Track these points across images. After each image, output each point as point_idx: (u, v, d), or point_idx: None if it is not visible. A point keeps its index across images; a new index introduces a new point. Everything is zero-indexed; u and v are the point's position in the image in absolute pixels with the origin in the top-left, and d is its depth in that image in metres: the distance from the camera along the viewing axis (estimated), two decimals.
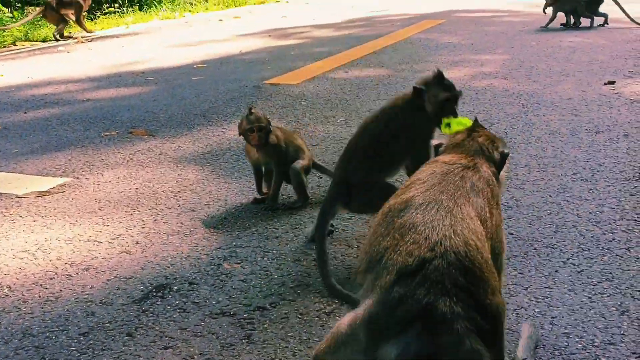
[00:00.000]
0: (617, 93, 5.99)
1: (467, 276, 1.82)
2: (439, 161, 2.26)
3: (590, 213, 3.57)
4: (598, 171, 4.17)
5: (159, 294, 2.96)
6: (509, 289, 2.84)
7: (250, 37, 11.27)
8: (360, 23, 12.55)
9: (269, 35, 11.27)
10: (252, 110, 3.71)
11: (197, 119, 5.85)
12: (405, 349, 1.76)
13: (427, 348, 1.74)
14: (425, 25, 11.46)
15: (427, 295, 1.77)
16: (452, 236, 1.87)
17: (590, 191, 3.86)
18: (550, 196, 3.83)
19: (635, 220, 3.46)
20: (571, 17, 9.98)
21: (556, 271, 2.99)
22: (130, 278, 3.11)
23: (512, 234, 3.37)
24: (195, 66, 8.55)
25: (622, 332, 2.52)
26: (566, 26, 9.99)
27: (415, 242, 1.87)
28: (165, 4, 17.61)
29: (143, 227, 3.65)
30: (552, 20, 10.00)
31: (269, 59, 8.76)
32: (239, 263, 3.21)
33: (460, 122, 2.61)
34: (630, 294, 2.77)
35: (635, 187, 3.89)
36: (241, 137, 3.78)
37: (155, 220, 3.73)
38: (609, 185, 3.93)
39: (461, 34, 10.22)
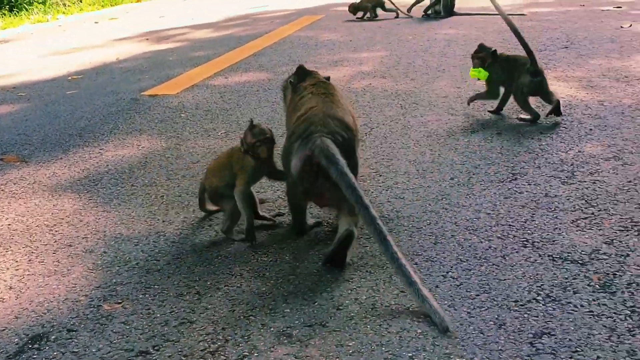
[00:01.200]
0: None
1: (334, 120, 3.28)
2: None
3: (467, 220, 3.66)
4: (474, 174, 4.28)
5: (36, 345, 2.83)
6: (391, 309, 2.87)
7: (127, 41, 10.97)
8: (240, 21, 12.45)
9: (147, 39, 11.01)
10: (255, 124, 3.59)
11: (72, 140, 5.64)
12: (295, 155, 3.22)
13: (304, 148, 3.17)
14: (304, 21, 11.49)
15: (308, 127, 3.24)
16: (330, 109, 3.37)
17: (467, 196, 3.96)
18: (429, 205, 3.90)
19: (510, 224, 3.58)
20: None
21: (436, 286, 3.05)
22: (3, 330, 2.96)
23: None
24: (69, 78, 8.25)
25: (499, 348, 2.59)
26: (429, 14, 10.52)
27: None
28: (36, 6, 16.89)
29: (17, 269, 3.48)
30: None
31: (146, 67, 8.55)
32: (119, 303, 3.11)
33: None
34: (507, 305, 2.85)
35: (508, 189, 4.02)
36: (242, 152, 3.60)
37: (30, 260, 3.56)
38: (485, 189, 4.04)
39: (340, 30, 10.30)
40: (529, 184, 4.08)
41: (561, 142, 4.79)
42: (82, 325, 2.94)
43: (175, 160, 4.92)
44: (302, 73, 3.86)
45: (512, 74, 5.22)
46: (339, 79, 6.81)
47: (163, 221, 3.90)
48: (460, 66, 7.20)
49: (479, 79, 5.37)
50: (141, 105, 6.51)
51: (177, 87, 7.15)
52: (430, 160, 4.55)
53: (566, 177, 4.15)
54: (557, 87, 6.11)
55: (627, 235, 3.40)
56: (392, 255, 2.85)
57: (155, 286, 3.23)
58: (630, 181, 4.03)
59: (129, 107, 6.49)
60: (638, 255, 3.19)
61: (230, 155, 3.69)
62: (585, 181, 4.07)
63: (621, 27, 9.06)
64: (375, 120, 5.50)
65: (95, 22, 14.18)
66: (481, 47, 5.33)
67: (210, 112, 6.12)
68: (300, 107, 3.45)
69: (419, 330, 2.73)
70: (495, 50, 5.25)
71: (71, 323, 2.96)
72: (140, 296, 3.15)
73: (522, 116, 5.34)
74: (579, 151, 4.58)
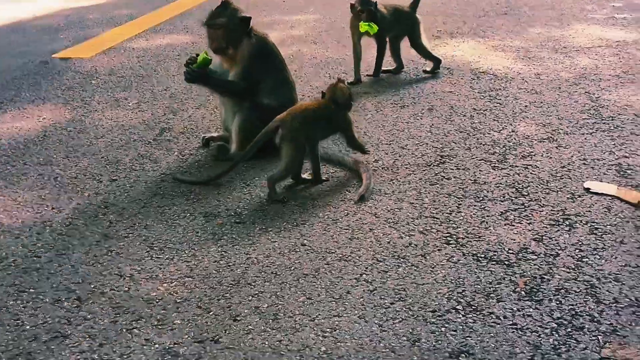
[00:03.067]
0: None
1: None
2: None
3: (388, 211, 3.35)
4: (400, 156, 3.96)
5: None
6: (294, 321, 2.54)
7: None
8: None
9: None
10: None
11: None
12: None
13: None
14: None
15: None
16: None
17: (391, 182, 3.64)
18: (348, 192, 3.56)
19: (433, 217, 3.27)
20: None
21: (348, 292, 2.73)
22: None
23: (304, 244, 3.06)
24: None
25: None
26: None
27: None
28: None
29: None
30: None
31: (63, 25, 7.95)
32: None
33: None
34: (423, 316, 2.55)
35: (435, 174, 3.72)
36: None
37: None
38: (410, 174, 3.73)
39: None
40: (458, 169, 3.78)
41: (494, 119, 4.50)
42: None
43: (77, 135, 4.47)
44: None
45: (400, 24, 5.37)
46: None
47: (52, 208, 3.48)
48: None
49: (370, 34, 5.18)
50: (50, 70, 5.98)
51: (93, 50, 6.62)
52: None
53: (497, 161, 3.86)
54: (495, 58, 5.81)
55: (558, 230, 3.12)
56: None
57: (31, 290, 2.83)
58: (563, 166, 3.76)
59: (36, 71, 5.95)
60: (568, 255, 2.92)
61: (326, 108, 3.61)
62: (517, 166, 3.79)
63: None
64: (301, 91, 5.10)
65: None
66: (364, 2, 5.13)
67: (124, 78, 5.65)
68: None
69: (323, 349, 2.39)
70: (376, 3, 5.14)
71: None
72: (11, 303, 2.74)
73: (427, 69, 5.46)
74: (513, 130, 4.30)
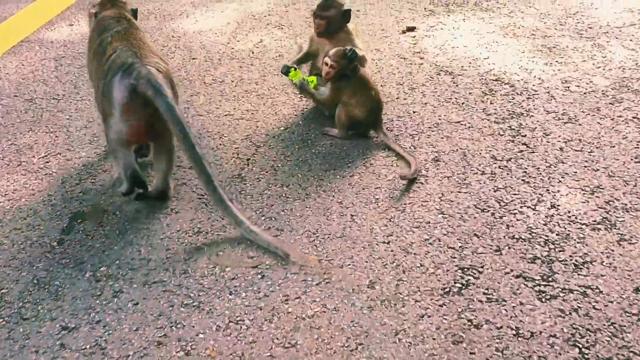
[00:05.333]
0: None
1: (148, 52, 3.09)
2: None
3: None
4: (405, 272, 2.80)
5: None
6: None
7: None
8: None
9: None
10: None
11: None
12: (118, 87, 2.93)
13: (129, 78, 2.91)
14: None
15: (126, 60, 2.98)
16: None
17: (396, 337, 2.48)
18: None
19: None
20: None
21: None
22: None
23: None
24: None
25: None
26: None
27: None
28: None
29: None
30: None
31: None
32: None
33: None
34: None
35: (458, 312, 2.61)
36: None
37: None
38: (421, 314, 2.59)
39: None
40: (489, 299, 2.69)
41: (524, 180, 3.42)
42: None
43: None
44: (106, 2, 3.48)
45: None
46: (198, 50, 5.04)
47: None
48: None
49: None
50: None
51: None
52: None
53: (541, 280, 2.76)
54: (507, 50, 4.60)
55: None
56: (219, 198, 2.91)
57: None
58: (638, 289, 2.60)
59: None
60: None
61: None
62: (571, 290, 2.70)
63: None
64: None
65: None
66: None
67: (33, 104, 4.32)
68: (106, 47, 3.14)
69: None
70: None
71: None
72: None
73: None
74: (552, 205, 3.22)
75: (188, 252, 2.95)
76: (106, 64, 3.04)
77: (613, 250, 2.87)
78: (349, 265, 2.84)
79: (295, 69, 3.80)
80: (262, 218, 3.17)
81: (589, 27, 5.06)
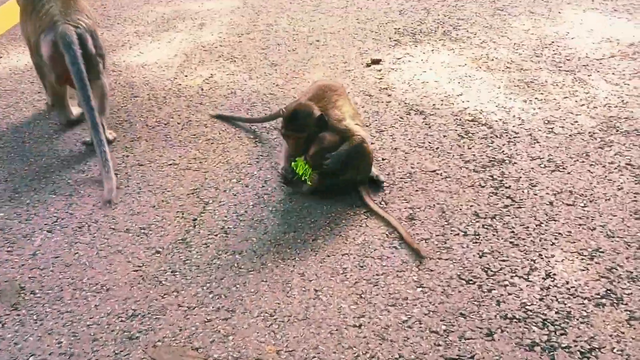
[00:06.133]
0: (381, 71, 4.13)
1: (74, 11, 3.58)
2: None
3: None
4: None
5: None
6: None
7: None
8: None
9: None
10: None
11: None
12: (44, 43, 3.54)
13: (51, 36, 3.49)
14: None
15: (52, 19, 3.52)
16: None
17: None
18: None
19: None
20: None
21: None
22: None
23: None
24: None
25: None
26: None
27: None
28: None
29: None
30: None
31: None
32: None
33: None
34: None
35: None
36: None
37: None
38: None
39: None
40: None
41: (513, 243, 2.94)
42: None
43: None
44: None
45: None
46: (176, 50, 4.53)
47: None
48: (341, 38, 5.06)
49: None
50: None
51: None
52: None
53: None
54: (481, 86, 4.17)
55: None
56: (99, 139, 3.38)
57: None
58: None
59: None
60: None
61: None
62: None
63: None
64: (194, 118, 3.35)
65: None
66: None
67: None
68: (40, 9, 3.61)
69: None
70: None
71: None
72: None
73: None
74: (548, 274, 2.76)
75: (119, 344, 2.43)
76: (38, 23, 3.57)
77: (623, 333, 2.43)
78: (314, 357, 2.35)
79: (295, 161, 3.22)
80: (210, 295, 2.68)
81: (567, 59, 4.68)
